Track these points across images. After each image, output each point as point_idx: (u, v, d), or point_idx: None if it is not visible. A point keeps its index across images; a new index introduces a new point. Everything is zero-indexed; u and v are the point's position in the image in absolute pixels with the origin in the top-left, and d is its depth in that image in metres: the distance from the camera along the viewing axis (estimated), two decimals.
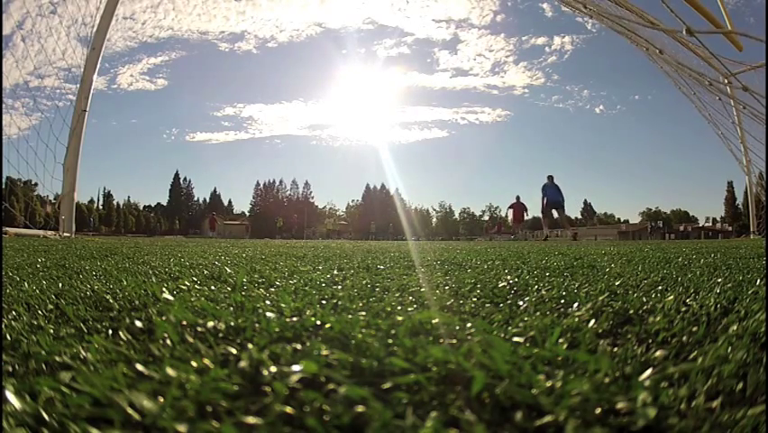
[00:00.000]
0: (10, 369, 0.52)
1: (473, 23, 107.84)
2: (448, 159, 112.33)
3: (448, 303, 0.96)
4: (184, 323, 0.69)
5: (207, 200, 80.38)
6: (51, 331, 0.70)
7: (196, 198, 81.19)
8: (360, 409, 0.39)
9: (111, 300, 0.96)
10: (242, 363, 0.49)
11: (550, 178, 12.44)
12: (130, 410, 0.38)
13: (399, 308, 0.86)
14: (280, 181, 75.42)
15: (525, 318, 0.78)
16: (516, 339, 0.64)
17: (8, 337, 0.65)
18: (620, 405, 0.40)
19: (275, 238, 21.82)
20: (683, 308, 0.87)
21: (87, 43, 8.29)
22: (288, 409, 0.39)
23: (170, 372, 0.46)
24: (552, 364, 0.51)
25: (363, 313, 0.80)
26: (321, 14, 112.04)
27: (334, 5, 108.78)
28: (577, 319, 0.76)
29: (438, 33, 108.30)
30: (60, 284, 1.25)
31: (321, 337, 0.62)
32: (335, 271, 1.66)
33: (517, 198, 15.18)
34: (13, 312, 0.84)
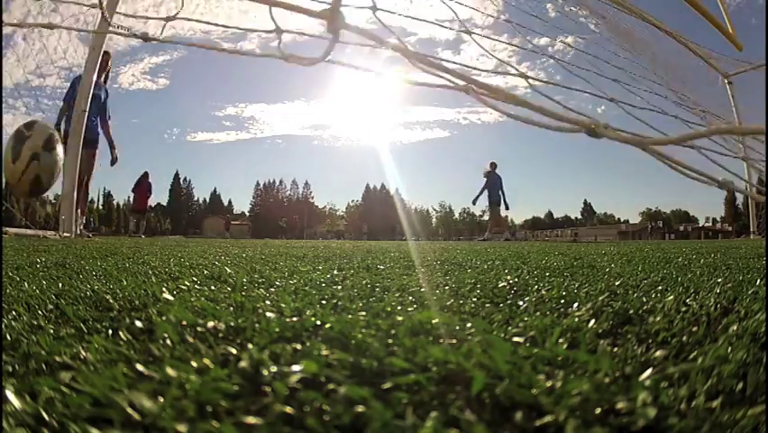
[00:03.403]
0: (10, 369, 0.52)
1: (477, 22, 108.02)
2: (449, 159, 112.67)
3: (448, 303, 0.96)
4: (184, 323, 0.69)
5: (207, 200, 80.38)
6: (51, 331, 0.70)
7: (196, 198, 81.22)
8: (360, 409, 0.39)
9: (111, 300, 0.96)
10: (242, 364, 0.49)
11: (492, 165, 10.46)
12: (130, 410, 0.38)
13: (399, 308, 0.86)
14: (280, 181, 75.50)
15: (525, 318, 0.78)
16: (516, 339, 0.63)
17: (8, 337, 0.65)
18: (620, 405, 0.40)
19: (278, 238, 21.89)
20: (683, 308, 0.87)
21: (88, 42, 8.28)
22: (288, 409, 0.39)
23: (170, 372, 0.46)
24: (552, 364, 0.51)
25: (363, 313, 0.80)
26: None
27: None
28: (577, 319, 0.76)
29: (441, 33, 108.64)
30: (60, 284, 1.25)
31: (321, 337, 0.62)
32: (335, 271, 1.66)
33: (144, 175, 11.32)
34: (13, 312, 0.84)
